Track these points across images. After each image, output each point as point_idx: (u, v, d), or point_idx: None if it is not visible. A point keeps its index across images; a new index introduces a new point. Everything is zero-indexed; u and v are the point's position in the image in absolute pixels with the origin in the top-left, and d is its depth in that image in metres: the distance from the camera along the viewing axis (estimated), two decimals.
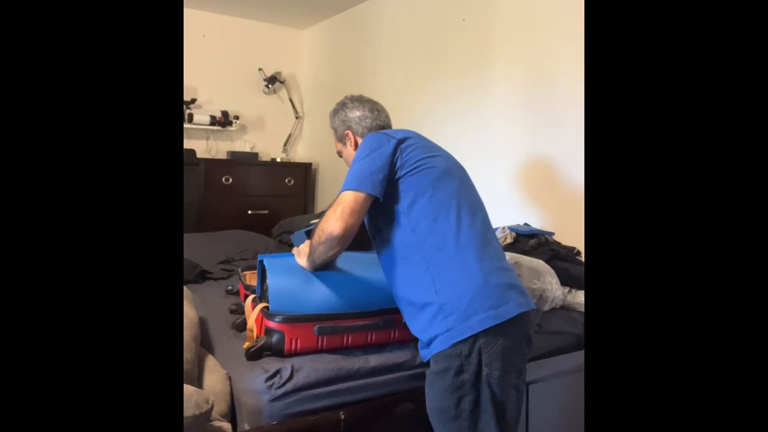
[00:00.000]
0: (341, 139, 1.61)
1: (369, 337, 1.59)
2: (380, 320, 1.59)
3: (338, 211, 1.29)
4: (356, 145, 1.55)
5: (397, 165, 1.34)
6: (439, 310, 1.26)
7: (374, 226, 1.44)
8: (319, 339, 1.52)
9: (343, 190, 1.32)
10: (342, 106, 1.61)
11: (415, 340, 1.70)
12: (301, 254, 1.54)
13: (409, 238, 1.33)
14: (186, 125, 3.75)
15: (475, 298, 1.23)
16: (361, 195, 1.30)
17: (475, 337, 1.22)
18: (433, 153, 1.41)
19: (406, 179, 1.34)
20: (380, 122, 1.58)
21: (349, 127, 1.58)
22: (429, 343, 1.31)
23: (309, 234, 2.00)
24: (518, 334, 1.27)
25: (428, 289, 1.29)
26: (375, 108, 1.59)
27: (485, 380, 1.23)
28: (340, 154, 1.65)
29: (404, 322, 1.63)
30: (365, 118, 1.57)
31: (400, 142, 1.37)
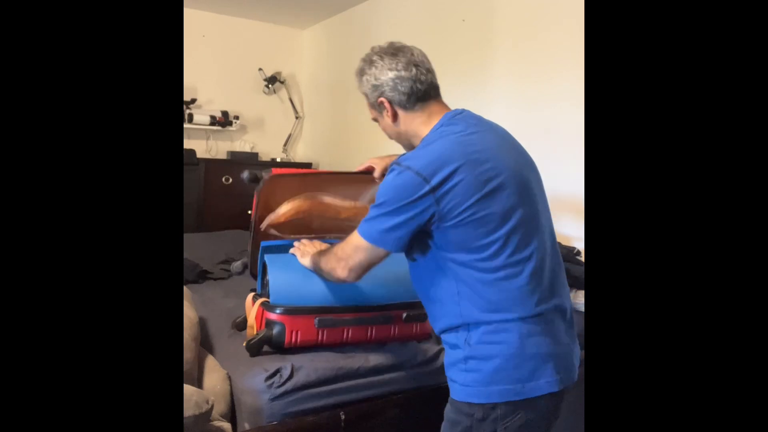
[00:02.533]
0: (375, 106, 1.24)
1: (369, 332, 1.59)
2: (381, 315, 1.59)
3: (350, 263, 1.19)
4: (395, 116, 1.22)
5: (432, 219, 1.09)
6: (464, 360, 1.13)
7: (407, 253, 1.24)
8: (320, 332, 1.52)
9: (362, 234, 1.15)
10: (369, 63, 1.22)
11: (415, 338, 1.70)
12: (304, 255, 1.48)
13: (449, 286, 1.15)
14: (186, 125, 3.75)
15: (503, 365, 1.09)
16: (375, 249, 1.15)
17: (494, 405, 1.09)
18: (483, 190, 1.08)
19: (447, 231, 1.10)
20: (422, 84, 1.18)
21: (383, 94, 1.20)
22: (450, 378, 1.19)
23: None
24: (544, 410, 1.13)
25: (459, 335, 1.15)
26: (413, 62, 1.18)
27: None
28: (375, 120, 1.30)
29: (404, 319, 1.64)
30: (402, 81, 1.17)
31: (436, 188, 1.07)
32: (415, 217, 1.09)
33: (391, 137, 1.30)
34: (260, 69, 4.06)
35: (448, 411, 1.19)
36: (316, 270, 1.40)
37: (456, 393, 1.15)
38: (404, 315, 1.63)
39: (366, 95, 1.25)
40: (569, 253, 2.11)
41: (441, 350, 1.66)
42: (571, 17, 2.29)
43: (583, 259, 2.16)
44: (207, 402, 1.22)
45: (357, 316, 1.56)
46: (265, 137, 4.25)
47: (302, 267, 1.54)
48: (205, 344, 1.77)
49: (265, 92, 4.16)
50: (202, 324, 1.84)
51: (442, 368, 1.62)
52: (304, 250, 1.50)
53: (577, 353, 1.22)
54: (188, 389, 1.21)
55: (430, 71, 1.21)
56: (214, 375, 1.52)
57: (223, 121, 3.89)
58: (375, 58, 1.21)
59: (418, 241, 1.16)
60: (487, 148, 1.14)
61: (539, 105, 2.46)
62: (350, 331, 1.56)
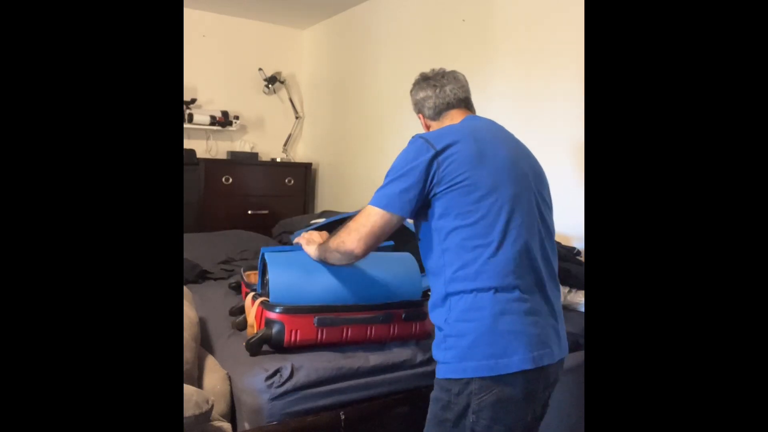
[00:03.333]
0: (418, 118, 1.51)
1: (369, 332, 1.59)
2: (380, 314, 1.59)
3: (362, 231, 1.25)
4: (427, 127, 1.48)
5: (433, 181, 1.21)
6: (443, 339, 1.21)
7: (415, 230, 1.36)
8: (319, 331, 1.52)
9: (372, 203, 1.26)
10: (414, 85, 1.50)
11: (415, 338, 1.71)
12: (310, 243, 1.50)
13: (438, 258, 1.24)
14: (186, 125, 3.75)
15: (476, 342, 1.15)
16: (387, 215, 1.23)
17: (469, 380, 1.15)
18: (478, 162, 1.22)
19: (441, 197, 1.21)
20: (444, 100, 1.42)
21: (420, 111, 1.48)
22: (436, 360, 1.26)
23: None
24: (521, 387, 1.16)
25: (441, 315, 1.23)
26: (439, 84, 1.43)
27: (469, 427, 1.16)
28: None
29: (403, 318, 1.64)
30: (428, 99, 1.44)
31: (439, 153, 1.21)
32: (420, 178, 1.21)
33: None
34: (260, 69, 4.06)
35: (434, 391, 1.25)
36: (323, 255, 1.42)
37: (439, 371, 1.22)
38: (404, 314, 1.64)
39: (414, 112, 1.52)
40: (569, 253, 2.11)
41: None
42: (570, 17, 2.29)
43: (583, 259, 2.16)
44: (207, 402, 1.22)
45: (356, 315, 1.57)
46: (265, 137, 4.25)
47: (303, 265, 1.54)
48: (205, 344, 1.77)
49: (265, 92, 4.16)
50: (202, 324, 1.85)
51: None
52: (309, 238, 1.53)
53: (562, 333, 1.27)
54: (188, 389, 1.21)
55: (455, 89, 1.44)
56: (214, 375, 1.52)
57: (223, 121, 3.89)
58: (416, 82, 1.49)
59: (421, 214, 1.28)
60: (492, 138, 1.30)
61: (539, 104, 2.45)
62: (350, 330, 1.57)
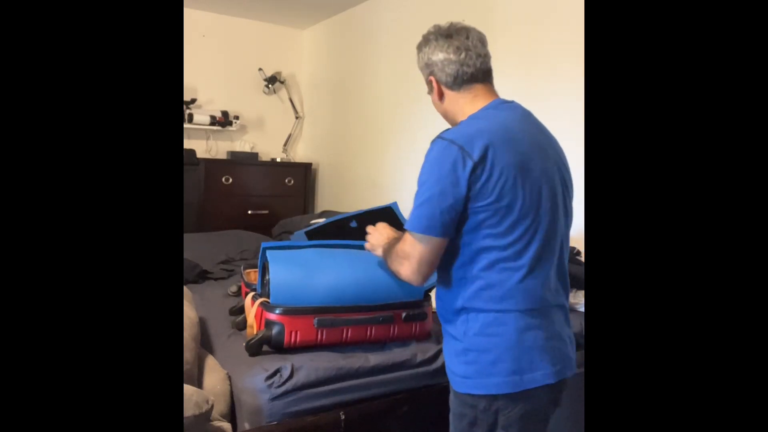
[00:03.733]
0: (427, 82, 1.29)
1: (368, 332, 1.59)
2: (380, 315, 1.59)
3: (413, 262, 1.14)
4: (441, 95, 1.26)
5: (471, 195, 1.09)
6: (463, 352, 1.15)
7: None
8: (319, 332, 1.52)
9: (411, 230, 1.13)
10: (425, 41, 1.26)
11: (415, 338, 1.70)
12: (375, 249, 1.40)
13: (458, 270, 1.16)
14: (186, 125, 3.74)
15: (500, 358, 1.11)
16: (432, 240, 1.11)
17: (495, 396, 1.12)
18: (516, 181, 1.11)
19: (473, 213, 1.11)
20: (469, 68, 1.21)
21: (432, 73, 1.25)
22: (450, 370, 1.20)
23: (309, 234, 2.00)
24: (543, 401, 1.15)
25: (458, 326, 1.16)
26: (463, 47, 1.21)
27: None
28: (429, 94, 1.32)
29: (404, 319, 1.64)
30: (449, 64, 1.21)
31: (477, 164, 1.08)
32: (462, 196, 1.09)
33: (438, 112, 1.32)
34: (260, 69, 4.06)
35: (453, 403, 1.20)
36: (388, 267, 1.30)
37: (457, 385, 1.17)
38: (404, 315, 1.63)
39: (421, 71, 1.29)
40: (569, 253, 2.11)
41: (440, 350, 1.66)
42: (570, 16, 2.29)
43: (583, 259, 2.16)
44: (207, 402, 1.22)
45: (356, 315, 1.57)
46: (265, 137, 4.25)
47: (304, 264, 1.54)
48: (205, 344, 1.77)
49: (265, 92, 4.16)
50: (202, 324, 1.85)
51: (442, 368, 1.63)
52: (374, 243, 1.41)
53: (573, 346, 1.24)
54: (188, 389, 1.21)
55: (480, 56, 1.23)
56: (214, 375, 1.52)
57: (223, 121, 3.89)
58: (431, 37, 1.25)
59: None
60: (530, 145, 1.17)
61: (539, 104, 2.45)
62: (350, 330, 1.57)
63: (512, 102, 1.27)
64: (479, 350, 1.13)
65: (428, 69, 1.25)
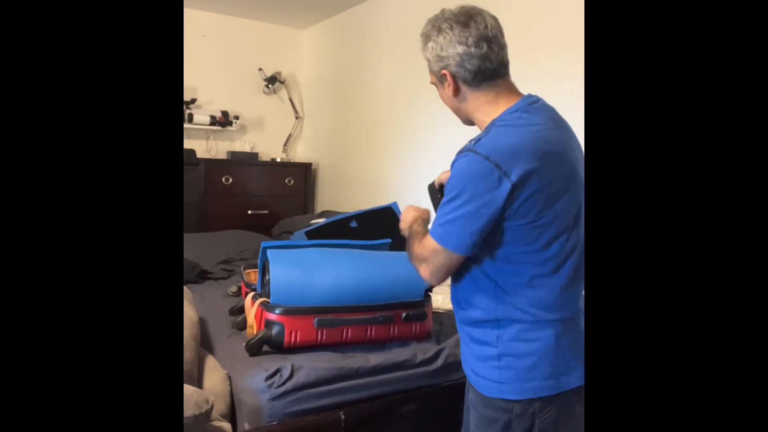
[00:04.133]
0: (437, 75, 1.15)
1: (368, 332, 1.59)
2: (380, 315, 1.59)
3: (431, 267, 1.10)
4: (456, 91, 1.13)
5: (504, 213, 1.04)
6: (497, 357, 1.12)
7: None
8: (319, 332, 1.52)
9: (437, 240, 1.08)
10: (437, 30, 1.11)
11: (415, 338, 1.70)
12: (404, 230, 1.29)
13: (488, 280, 1.12)
14: (186, 125, 3.74)
15: (538, 363, 1.09)
16: (454, 256, 1.08)
17: (531, 400, 1.10)
18: (555, 199, 1.06)
19: (507, 229, 1.06)
20: (491, 64, 1.09)
21: (447, 67, 1.11)
22: (473, 372, 1.17)
23: (309, 234, 2.00)
24: (572, 402, 1.13)
25: (491, 332, 1.13)
26: (485, 37, 1.07)
27: None
28: (434, 84, 1.20)
29: (404, 319, 1.64)
30: (471, 58, 1.07)
31: (516, 186, 1.01)
32: (494, 217, 1.03)
33: (449, 107, 1.21)
34: (260, 69, 4.06)
35: (479, 407, 1.17)
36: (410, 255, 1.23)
37: (488, 390, 1.13)
38: (404, 314, 1.64)
39: (428, 61, 1.16)
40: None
41: (441, 350, 1.66)
42: (570, 16, 2.29)
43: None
44: (207, 402, 1.22)
45: (356, 315, 1.57)
46: (265, 137, 4.25)
47: (304, 264, 1.54)
48: (205, 344, 1.77)
49: (265, 92, 4.16)
50: (202, 324, 1.85)
51: (442, 368, 1.63)
52: (405, 220, 1.29)
53: None
54: (188, 389, 1.21)
55: (502, 48, 1.11)
56: (214, 375, 1.52)
57: (223, 121, 3.89)
58: (444, 25, 1.10)
59: None
60: (562, 149, 1.10)
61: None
62: (350, 330, 1.57)
63: (538, 101, 1.16)
64: (516, 355, 1.10)
65: (441, 62, 1.11)
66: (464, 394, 1.29)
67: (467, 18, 1.09)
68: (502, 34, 1.12)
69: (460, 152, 1.06)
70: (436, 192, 1.30)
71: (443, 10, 1.13)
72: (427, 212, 1.28)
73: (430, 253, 1.11)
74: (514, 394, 1.10)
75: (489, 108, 1.13)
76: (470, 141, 1.07)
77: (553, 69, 2.39)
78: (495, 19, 1.12)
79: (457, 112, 1.20)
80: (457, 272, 1.16)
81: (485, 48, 1.07)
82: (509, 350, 1.10)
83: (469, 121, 1.20)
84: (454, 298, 1.22)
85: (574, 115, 2.31)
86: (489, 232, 1.06)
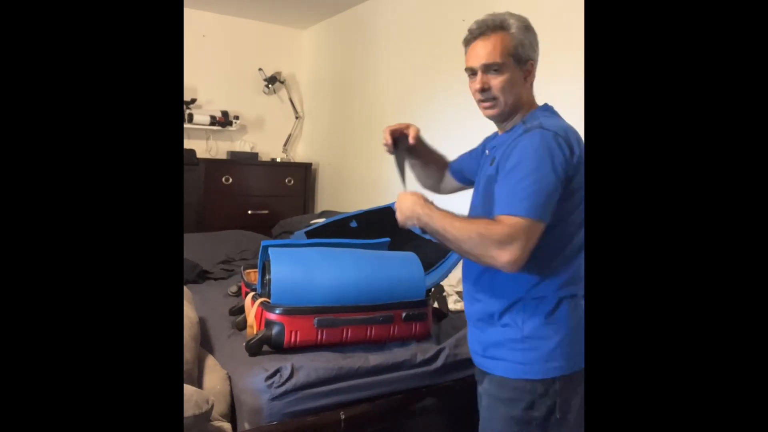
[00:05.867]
0: (519, 61, 1.24)
1: (368, 332, 1.59)
2: (380, 315, 1.59)
3: (522, 249, 1.06)
4: (526, 81, 1.28)
5: (570, 186, 1.14)
6: (521, 340, 1.18)
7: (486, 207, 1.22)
8: (319, 332, 1.52)
9: (522, 215, 1.07)
10: (531, 30, 1.29)
11: (415, 338, 1.70)
12: (409, 218, 1.21)
13: (541, 255, 1.15)
14: (186, 125, 3.74)
15: (562, 342, 1.16)
16: (541, 226, 1.09)
17: (553, 379, 1.16)
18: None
19: (567, 202, 1.15)
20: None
21: (534, 59, 1.28)
22: (492, 357, 1.22)
23: (309, 234, 2.00)
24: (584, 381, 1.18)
25: (519, 314, 1.19)
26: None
27: (556, 423, 1.17)
28: (494, 67, 1.23)
29: (404, 319, 1.64)
30: (537, 60, 1.30)
31: (578, 159, 1.14)
32: (560, 187, 1.12)
33: (506, 91, 1.24)
34: (260, 69, 4.06)
35: (498, 392, 1.21)
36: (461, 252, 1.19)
37: (511, 371, 1.19)
38: (404, 314, 1.63)
39: (516, 47, 1.24)
40: None
41: (441, 350, 1.66)
42: (570, 17, 2.29)
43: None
44: (207, 402, 1.22)
45: (356, 315, 1.57)
46: (265, 137, 4.25)
47: (305, 264, 1.54)
48: (205, 344, 1.77)
49: (265, 92, 4.16)
50: (202, 324, 1.85)
51: (442, 368, 1.63)
52: (404, 211, 1.22)
53: None
54: (188, 389, 1.21)
55: None
56: (214, 375, 1.52)
57: (223, 121, 3.89)
58: (530, 24, 1.30)
59: None
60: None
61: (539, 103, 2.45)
62: (350, 330, 1.57)
63: (551, 107, 1.38)
64: (541, 338, 1.17)
65: (535, 53, 1.27)
66: (464, 394, 1.29)
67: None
68: None
69: (527, 131, 1.17)
70: (404, 161, 1.33)
71: (510, 13, 1.30)
72: (421, 195, 1.23)
73: (519, 231, 1.06)
74: (536, 374, 1.16)
75: (533, 101, 1.34)
76: (523, 124, 1.22)
77: (552, 69, 2.39)
78: None
79: (515, 97, 1.27)
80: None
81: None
82: (534, 333, 1.17)
83: (514, 107, 1.27)
84: (479, 287, 1.25)
85: (574, 115, 2.31)
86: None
